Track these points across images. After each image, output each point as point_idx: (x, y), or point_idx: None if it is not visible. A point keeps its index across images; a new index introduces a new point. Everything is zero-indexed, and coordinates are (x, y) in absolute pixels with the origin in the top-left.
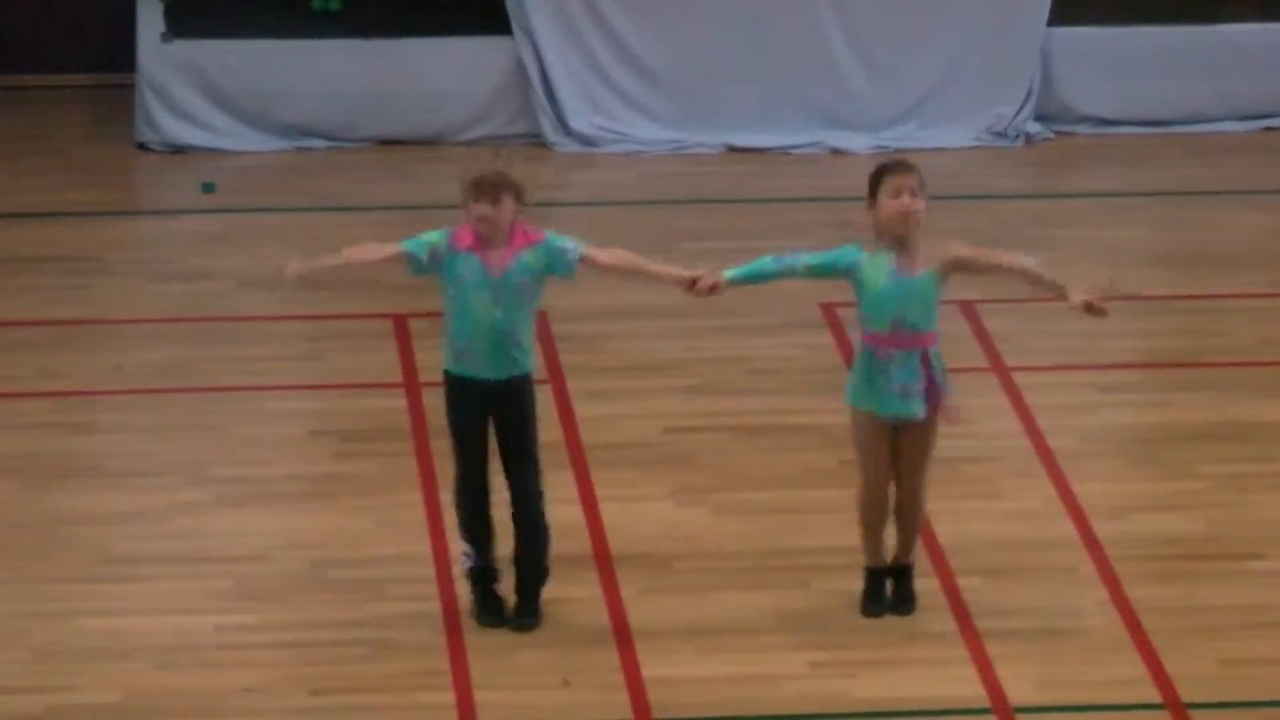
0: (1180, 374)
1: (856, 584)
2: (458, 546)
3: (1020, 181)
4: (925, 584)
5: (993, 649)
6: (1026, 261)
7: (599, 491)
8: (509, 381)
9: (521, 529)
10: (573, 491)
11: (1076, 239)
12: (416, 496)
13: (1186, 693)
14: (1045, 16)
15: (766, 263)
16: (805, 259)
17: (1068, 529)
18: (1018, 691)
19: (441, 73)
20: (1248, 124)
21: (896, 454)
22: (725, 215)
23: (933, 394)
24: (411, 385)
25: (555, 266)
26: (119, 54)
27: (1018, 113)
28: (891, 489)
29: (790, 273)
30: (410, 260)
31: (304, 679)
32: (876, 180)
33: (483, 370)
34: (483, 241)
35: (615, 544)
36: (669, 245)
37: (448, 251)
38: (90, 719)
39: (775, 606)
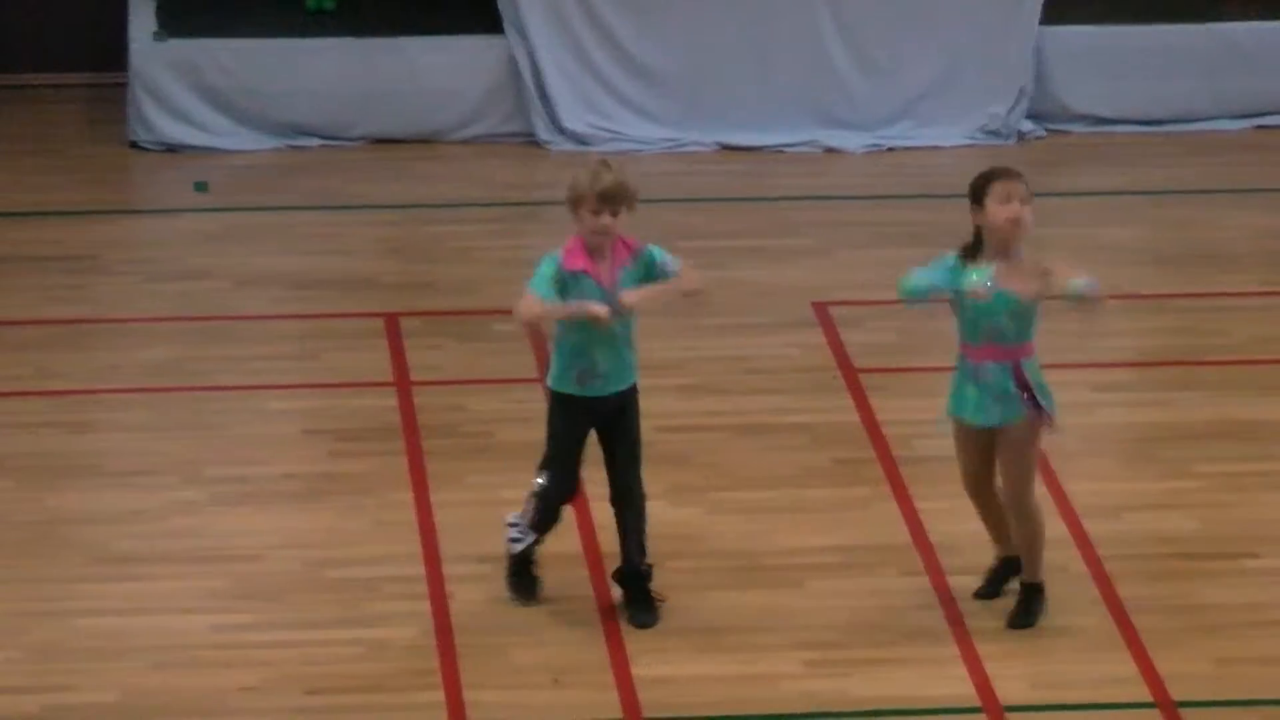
0: (1176, 373)
1: (852, 583)
2: (513, 533)
3: None
4: (918, 582)
5: (986, 648)
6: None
7: (591, 490)
8: (624, 393)
9: (627, 524)
10: None
11: (1071, 238)
12: (408, 496)
13: (1179, 691)
14: (1039, 15)
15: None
16: (921, 281)
17: (1060, 528)
18: (1010, 690)
19: (435, 71)
20: (1242, 122)
21: (998, 463)
22: (720, 214)
23: (1027, 404)
24: (403, 384)
25: (652, 277)
26: (114, 53)
27: (1011, 111)
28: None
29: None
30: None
31: (300, 678)
32: (983, 186)
33: (604, 388)
34: (591, 255)
35: (607, 543)
36: (665, 244)
37: (562, 277)
38: (87, 718)
39: (769, 606)
